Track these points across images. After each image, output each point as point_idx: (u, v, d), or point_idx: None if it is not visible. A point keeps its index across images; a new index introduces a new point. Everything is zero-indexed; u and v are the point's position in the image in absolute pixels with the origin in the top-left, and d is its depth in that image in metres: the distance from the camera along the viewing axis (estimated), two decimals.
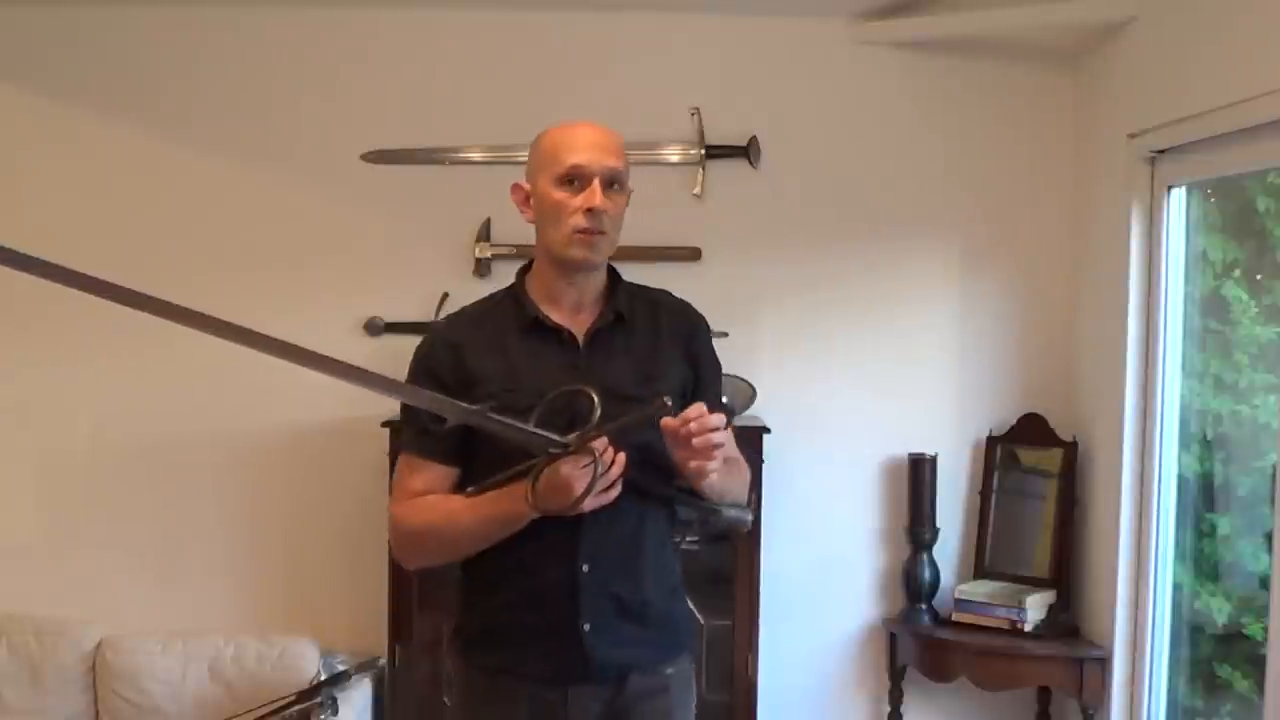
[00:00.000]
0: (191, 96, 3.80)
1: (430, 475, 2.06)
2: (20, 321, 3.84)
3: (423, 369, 2.10)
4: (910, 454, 3.73)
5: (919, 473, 3.70)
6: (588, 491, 1.83)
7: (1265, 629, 2.80)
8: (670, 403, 1.84)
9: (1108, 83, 3.55)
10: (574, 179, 1.99)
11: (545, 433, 1.85)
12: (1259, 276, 3.35)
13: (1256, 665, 3.03)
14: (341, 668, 3.60)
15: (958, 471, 3.81)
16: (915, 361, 3.83)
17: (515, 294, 2.10)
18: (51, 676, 3.60)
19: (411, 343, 3.66)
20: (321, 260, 3.82)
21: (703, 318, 2.20)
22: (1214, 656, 3.39)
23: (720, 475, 1.94)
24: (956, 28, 3.64)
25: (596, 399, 1.84)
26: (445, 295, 3.76)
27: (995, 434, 3.80)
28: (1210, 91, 2.89)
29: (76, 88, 3.80)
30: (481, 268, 3.78)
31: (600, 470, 1.83)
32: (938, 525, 3.71)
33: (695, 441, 1.86)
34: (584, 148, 2.00)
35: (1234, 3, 2.87)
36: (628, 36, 3.78)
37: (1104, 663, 3.41)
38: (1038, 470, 3.74)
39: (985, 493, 3.79)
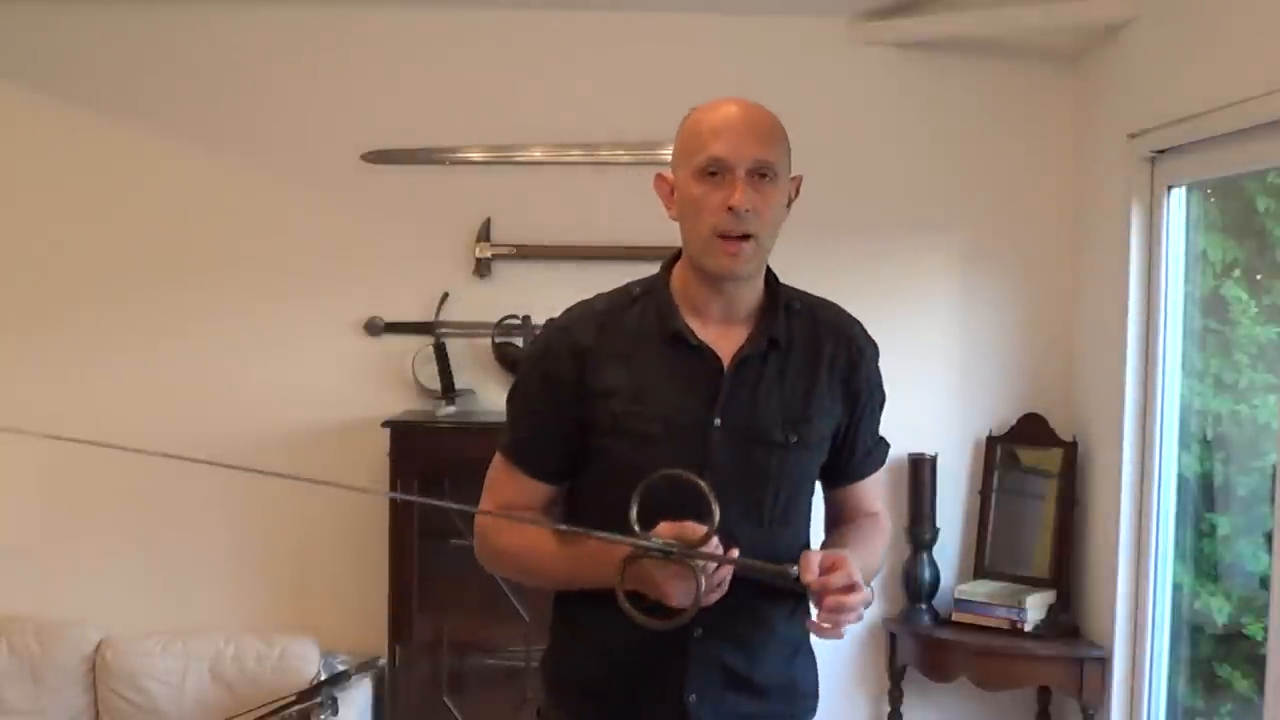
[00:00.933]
0: (191, 96, 3.80)
1: (523, 488, 1.83)
2: (22, 322, 3.84)
3: (539, 372, 1.83)
4: (910, 454, 3.73)
5: (919, 473, 3.70)
6: (695, 604, 1.57)
7: (1265, 629, 2.80)
8: (796, 574, 1.60)
9: (1108, 83, 3.55)
10: (715, 171, 1.71)
11: (643, 542, 1.57)
12: (1259, 276, 3.35)
13: (1256, 665, 3.03)
14: (341, 668, 3.61)
15: (958, 471, 3.81)
16: (915, 361, 3.83)
17: (658, 295, 1.81)
18: (51, 676, 3.60)
19: (412, 343, 3.75)
20: (321, 260, 3.81)
21: (871, 343, 1.91)
22: (1214, 656, 3.39)
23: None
24: (956, 28, 3.64)
25: (714, 504, 1.57)
26: (445, 295, 3.77)
27: (995, 434, 3.80)
28: (1210, 91, 2.89)
29: (76, 87, 3.80)
30: (481, 268, 3.78)
31: (705, 587, 1.57)
32: (938, 525, 3.71)
33: (826, 606, 1.63)
34: (726, 134, 1.71)
35: (1234, 3, 2.87)
36: (628, 36, 3.78)
37: (1104, 663, 3.41)
38: (1038, 470, 3.74)
39: (985, 493, 3.79)
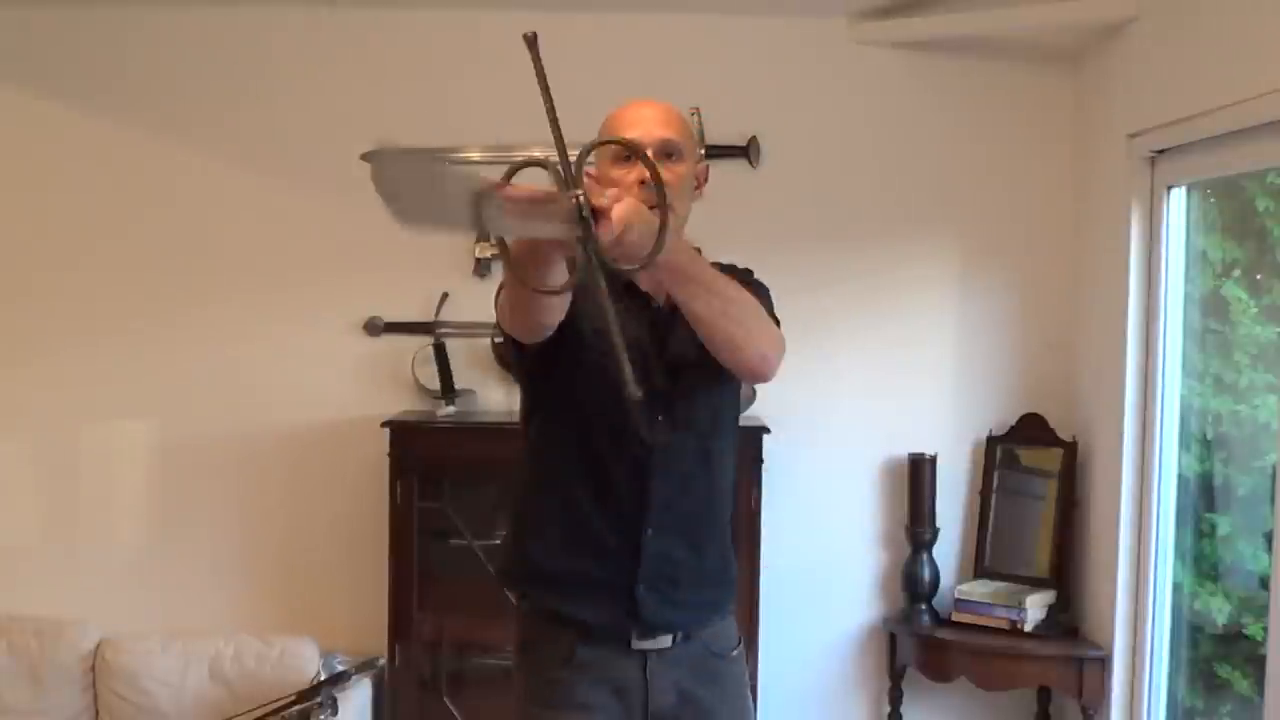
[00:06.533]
0: (191, 96, 3.80)
1: None
2: (21, 322, 3.84)
3: None
4: (910, 454, 3.73)
5: (919, 473, 3.70)
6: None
7: (1265, 629, 2.80)
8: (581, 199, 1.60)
9: (1108, 83, 3.55)
10: (628, 155, 1.98)
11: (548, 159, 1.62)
12: (1259, 276, 3.35)
13: (1256, 665, 3.03)
14: (341, 668, 3.60)
15: (958, 471, 3.81)
16: (915, 361, 3.83)
17: None
18: (51, 676, 3.60)
19: (411, 342, 3.75)
20: (321, 260, 3.82)
21: (749, 272, 2.17)
22: (1214, 656, 3.39)
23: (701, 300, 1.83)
24: (956, 28, 3.64)
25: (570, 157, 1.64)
26: (445, 295, 3.77)
27: (995, 434, 3.79)
28: (1210, 91, 2.89)
29: (76, 88, 3.80)
30: (481, 268, 3.78)
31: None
32: (938, 525, 3.71)
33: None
34: (634, 123, 2.02)
35: (1234, 3, 2.87)
36: (628, 36, 3.78)
37: (1104, 663, 3.41)
38: (1038, 470, 3.74)
39: (985, 493, 3.78)
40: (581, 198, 1.59)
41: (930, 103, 3.81)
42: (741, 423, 3.45)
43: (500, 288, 1.98)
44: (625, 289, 2.03)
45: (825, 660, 3.87)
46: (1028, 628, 3.51)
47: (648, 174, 1.87)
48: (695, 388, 2.06)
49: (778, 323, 2.11)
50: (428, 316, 3.77)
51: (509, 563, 2.19)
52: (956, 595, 3.64)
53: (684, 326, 2.01)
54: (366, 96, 3.79)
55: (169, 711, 3.59)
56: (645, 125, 2.01)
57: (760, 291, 2.14)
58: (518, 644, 2.16)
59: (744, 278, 2.16)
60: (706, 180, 2.12)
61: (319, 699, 3.38)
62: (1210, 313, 3.36)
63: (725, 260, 2.24)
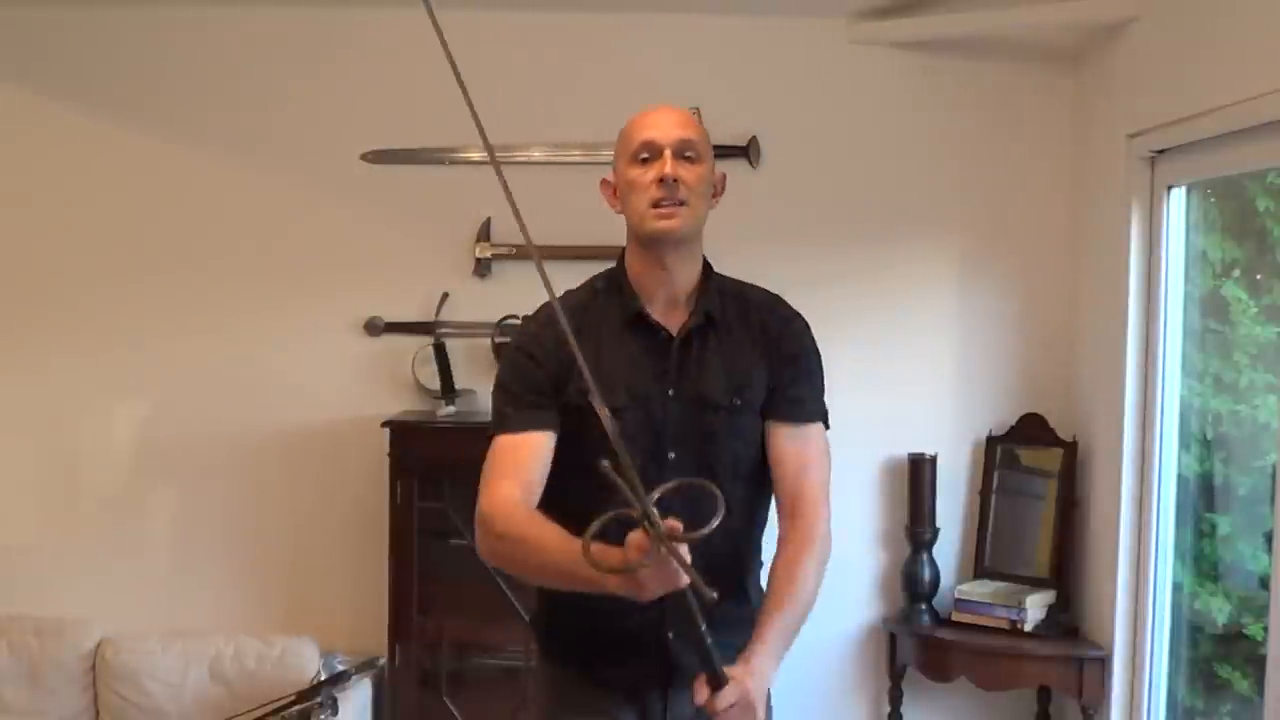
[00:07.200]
0: (192, 96, 3.81)
1: (519, 448, 1.97)
2: (22, 322, 3.84)
3: (525, 353, 2.06)
4: (910, 454, 3.73)
5: (919, 473, 3.70)
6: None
7: (1265, 629, 2.80)
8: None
9: (1108, 83, 3.55)
10: (647, 155, 2.02)
11: (640, 496, 1.62)
12: (1259, 276, 3.35)
13: (1256, 665, 3.03)
14: (341, 668, 3.61)
15: (958, 471, 3.81)
16: (915, 361, 3.83)
17: (620, 285, 2.08)
18: (51, 676, 3.61)
19: (411, 342, 3.75)
20: (321, 260, 3.82)
21: (798, 313, 2.14)
22: (1214, 656, 3.39)
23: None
24: (956, 28, 3.64)
25: (720, 500, 1.65)
26: (445, 295, 3.77)
27: (995, 434, 3.79)
28: (1210, 91, 2.89)
29: (77, 88, 3.80)
30: (481, 268, 3.78)
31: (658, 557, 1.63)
32: (938, 525, 3.71)
33: None
34: (653, 124, 2.04)
35: (1234, 3, 2.87)
36: (628, 36, 3.78)
37: (1104, 663, 3.41)
38: (1038, 470, 3.74)
39: (985, 493, 3.79)
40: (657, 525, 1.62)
41: (930, 102, 3.81)
42: None
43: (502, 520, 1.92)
44: (636, 318, 2.03)
45: (825, 660, 3.87)
46: (1028, 628, 3.51)
47: (666, 169, 1.98)
48: (713, 429, 2.02)
49: (825, 414, 2.09)
50: (428, 316, 3.78)
51: (540, 630, 2.19)
52: (956, 595, 3.64)
53: (699, 364, 2.02)
54: (366, 96, 3.80)
55: (169, 711, 3.59)
56: (664, 127, 2.04)
57: (817, 369, 2.11)
58: (540, 651, 2.17)
59: (797, 329, 2.11)
60: (724, 189, 2.12)
61: (319, 699, 3.39)
62: (1210, 313, 3.36)
63: (748, 279, 2.17)
